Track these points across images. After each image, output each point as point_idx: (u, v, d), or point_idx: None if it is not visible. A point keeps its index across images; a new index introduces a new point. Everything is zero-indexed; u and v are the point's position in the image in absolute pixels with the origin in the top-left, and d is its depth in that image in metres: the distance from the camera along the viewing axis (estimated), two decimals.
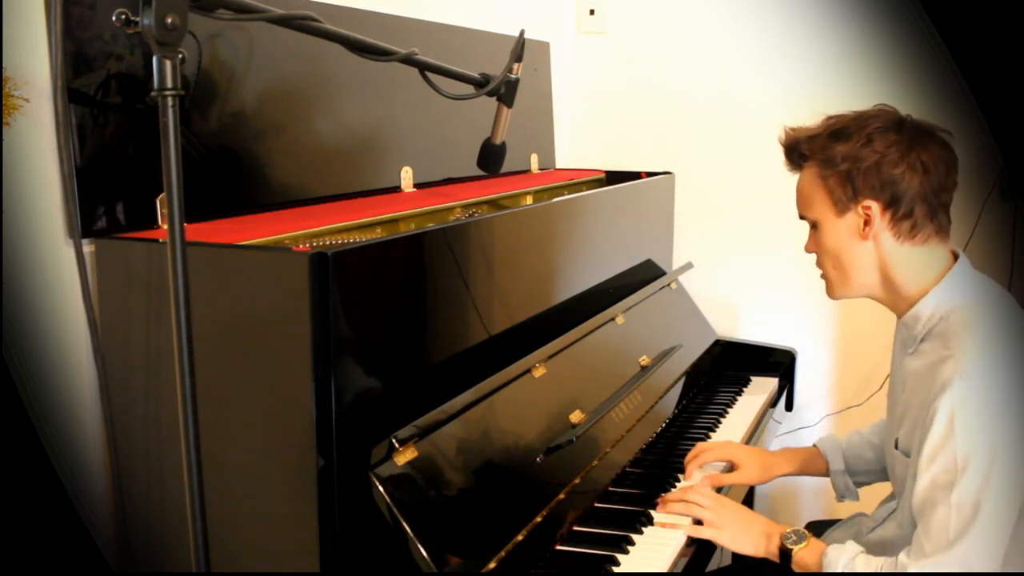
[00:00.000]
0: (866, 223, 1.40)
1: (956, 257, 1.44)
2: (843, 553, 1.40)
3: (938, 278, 1.41)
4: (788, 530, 1.49)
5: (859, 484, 1.78)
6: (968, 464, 1.27)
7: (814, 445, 1.81)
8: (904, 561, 1.33)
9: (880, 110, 1.43)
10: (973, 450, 1.27)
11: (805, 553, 1.45)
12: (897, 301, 1.45)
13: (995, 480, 1.27)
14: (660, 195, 2.48)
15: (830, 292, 1.50)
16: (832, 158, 1.40)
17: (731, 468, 1.78)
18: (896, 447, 1.46)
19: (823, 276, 1.51)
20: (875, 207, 1.38)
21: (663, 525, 1.54)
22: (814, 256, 1.52)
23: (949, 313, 1.38)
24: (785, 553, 1.47)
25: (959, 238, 1.49)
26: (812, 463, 1.79)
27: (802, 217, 1.51)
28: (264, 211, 1.56)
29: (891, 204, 1.38)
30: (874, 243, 1.41)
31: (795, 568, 1.47)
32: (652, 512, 1.58)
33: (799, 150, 1.46)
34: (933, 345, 1.39)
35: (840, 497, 1.79)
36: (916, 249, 1.41)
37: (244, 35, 1.54)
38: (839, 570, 1.38)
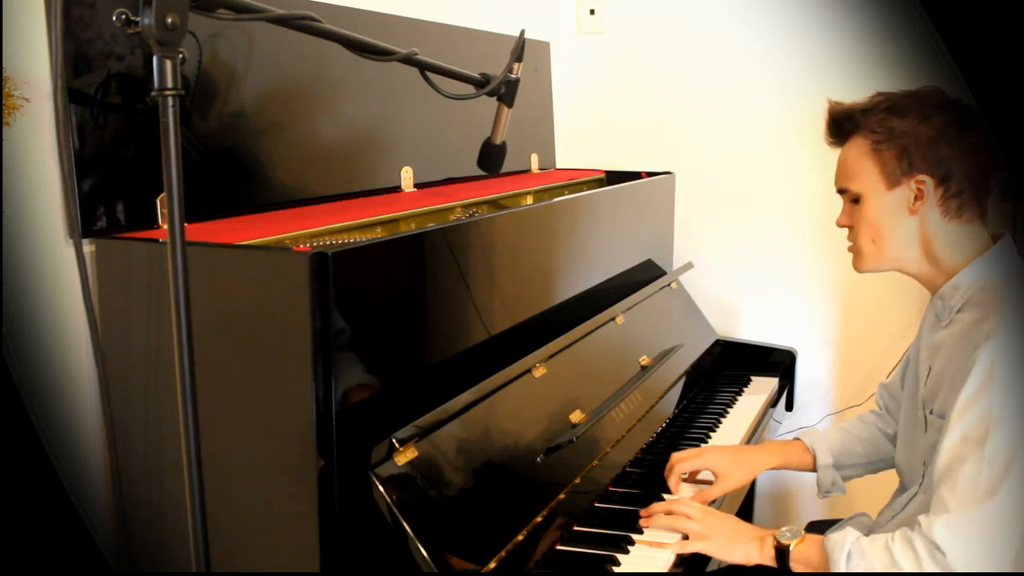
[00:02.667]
0: (917, 198, 1.41)
1: (995, 239, 1.45)
2: (846, 535, 1.36)
3: (979, 253, 1.43)
4: (782, 529, 1.46)
5: (846, 478, 1.76)
6: (1004, 417, 1.26)
7: (796, 439, 1.77)
8: (925, 520, 1.29)
9: (934, 89, 1.45)
10: (1010, 402, 1.26)
11: (804, 547, 1.41)
12: (936, 275, 1.46)
13: None
14: (660, 195, 2.48)
15: (859, 265, 1.50)
16: (890, 131, 1.41)
17: (715, 478, 1.71)
18: (931, 413, 1.44)
19: (852, 248, 1.50)
20: (929, 182, 1.40)
21: (649, 544, 1.48)
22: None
23: (989, 282, 1.39)
24: (782, 552, 1.43)
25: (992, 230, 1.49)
26: (796, 456, 1.75)
27: (841, 190, 1.50)
28: (264, 211, 1.56)
29: (944, 181, 1.40)
30: (920, 219, 1.42)
31: (794, 565, 1.42)
32: (639, 525, 1.53)
33: (853, 122, 1.46)
34: (971, 313, 1.39)
35: (825, 493, 1.75)
36: (960, 227, 1.43)
37: (244, 35, 1.54)
38: (847, 550, 1.34)
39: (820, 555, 1.39)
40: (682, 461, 1.69)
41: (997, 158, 1.43)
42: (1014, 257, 1.44)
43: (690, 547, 1.47)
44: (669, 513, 1.53)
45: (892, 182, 1.42)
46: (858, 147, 1.46)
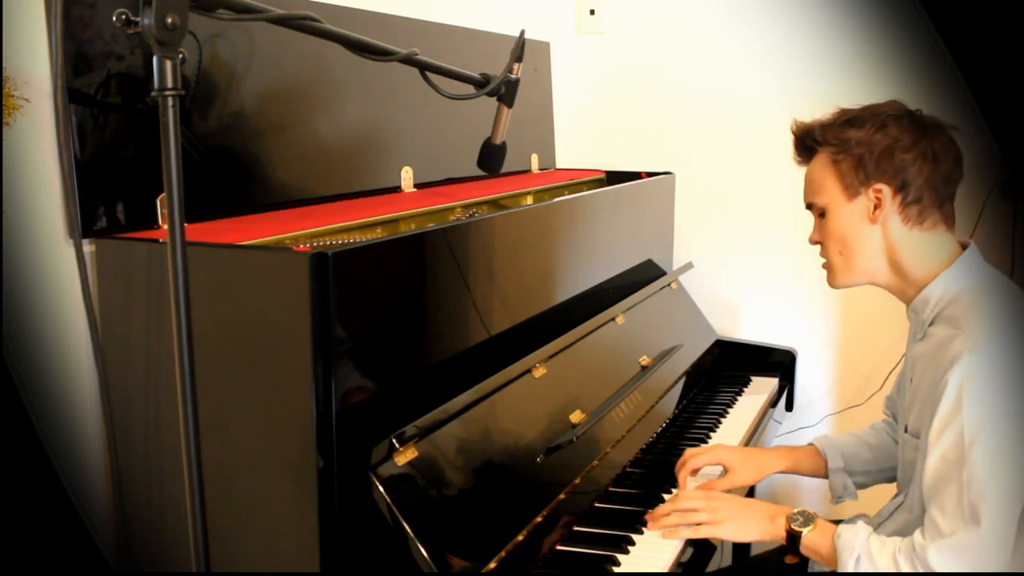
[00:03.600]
0: (876, 207, 1.42)
1: (964, 247, 1.46)
2: (857, 534, 1.38)
3: (947, 263, 1.43)
4: (794, 511, 1.47)
5: (858, 486, 1.76)
6: (977, 438, 1.27)
7: (810, 444, 1.78)
8: (921, 542, 1.31)
9: (891, 101, 1.47)
10: (981, 424, 1.27)
11: (815, 535, 1.43)
12: (905, 286, 1.46)
13: (1003, 455, 1.27)
14: (660, 195, 2.48)
15: (832, 280, 1.51)
16: (846, 143, 1.43)
17: (724, 472, 1.73)
18: (906, 431, 1.46)
19: (826, 265, 1.52)
20: (886, 191, 1.41)
21: (651, 542, 1.48)
22: (815, 257, 1.53)
23: (958, 296, 1.40)
24: (793, 536, 1.45)
25: (959, 238, 1.50)
26: (807, 461, 1.76)
27: (809, 206, 1.52)
28: (264, 211, 1.56)
29: (901, 188, 1.41)
30: (882, 228, 1.43)
31: (804, 551, 1.45)
32: (645, 529, 1.53)
33: (812, 138, 1.49)
34: (942, 328, 1.40)
35: (838, 498, 1.76)
36: (924, 235, 1.43)
37: (244, 35, 1.54)
38: (856, 553, 1.35)
39: (829, 549, 1.41)
40: (694, 457, 1.71)
41: (959, 163, 1.44)
42: (982, 266, 1.44)
43: (702, 533, 1.50)
44: (675, 510, 1.53)
45: (851, 193, 1.44)
46: (820, 161, 1.48)
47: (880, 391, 2.55)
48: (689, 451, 1.74)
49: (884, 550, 1.35)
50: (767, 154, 2.65)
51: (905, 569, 1.31)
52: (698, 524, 1.51)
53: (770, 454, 1.78)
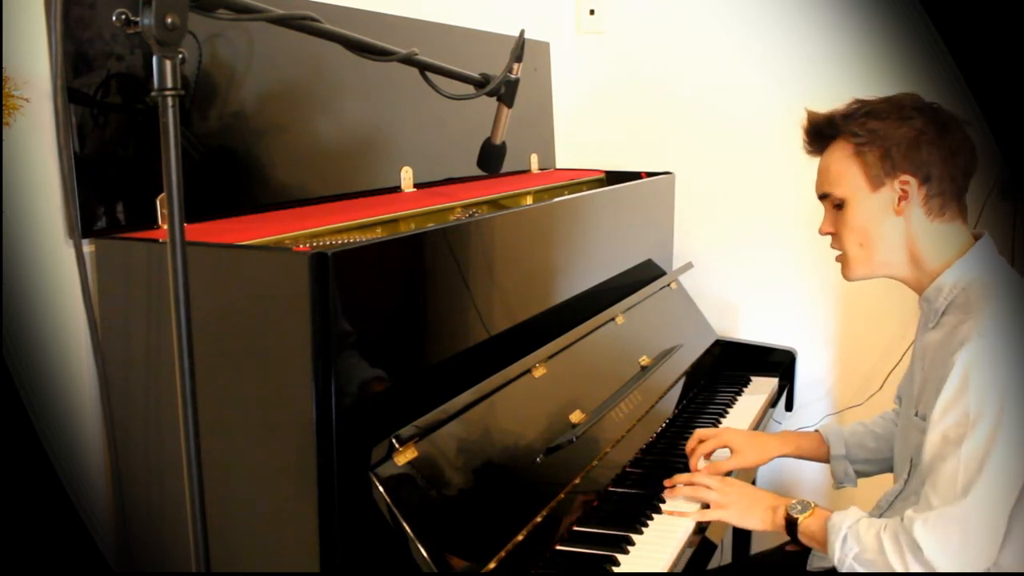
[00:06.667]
0: (901, 198, 1.43)
1: (977, 238, 1.48)
2: (846, 517, 1.43)
3: (961, 254, 1.45)
4: (793, 501, 1.53)
5: (859, 474, 1.79)
6: (979, 419, 1.30)
7: (816, 431, 1.83)
8: (910, 515, 1.35)
9: (909, 93, 1.48)
10: (984, 405, 1.30)
11: (810, 521, 1.49)
12: (921, 277, 1.48)
13: (1002, 437, 1.29)
14: (660, 195, 2.48)
15: (848, 273, 1.52)
16: (872, 133, 1.43)
17: (730, 453, 1.79)
18: (916, 415, 1.48)
19: (840, 257, 1.52)
20: (912, 182, 1.42)
21: (671, 513, 1.58)
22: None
23: (970, 284, 1.42)
24: (791, 523, 1.50)
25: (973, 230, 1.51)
26: (811, 447, 1.80)
27: (823, 196, 1.52)
28: (264, 211, 1.56)
29: (926, 181, 1.42)
30: (905, 220, 1.44)
31: (801, 538, 1.50)
32: (658, 504, 1.60)
33: (834, 126, 1.48)
34: (953, 316, 1.42)
35: (838, 484, 1.80)
36: (943, 227, 1.45)
37: (244, 35, 1.54)
38: (842, 533, 1.40)
39: (823, 532, 1.46)
40: (706, 442, 1.78)
41: (975, 157, 1.45)
42: (995, 256, 1.47)
43: (710, 515, 1.57)
44: (690, 484, 1.62)
45: (876, 184, 1.44)
46: (840, 151, 1.48)
47: (880, 391, 2.55)
48: (699, 432, 1.81)
49: (870, 529, 1.39)
50: (767, 154, 2.65)
51: (888, 547, 1.35)
52: (707, 503, 1.58)
53: (775, 438, 1.83)
